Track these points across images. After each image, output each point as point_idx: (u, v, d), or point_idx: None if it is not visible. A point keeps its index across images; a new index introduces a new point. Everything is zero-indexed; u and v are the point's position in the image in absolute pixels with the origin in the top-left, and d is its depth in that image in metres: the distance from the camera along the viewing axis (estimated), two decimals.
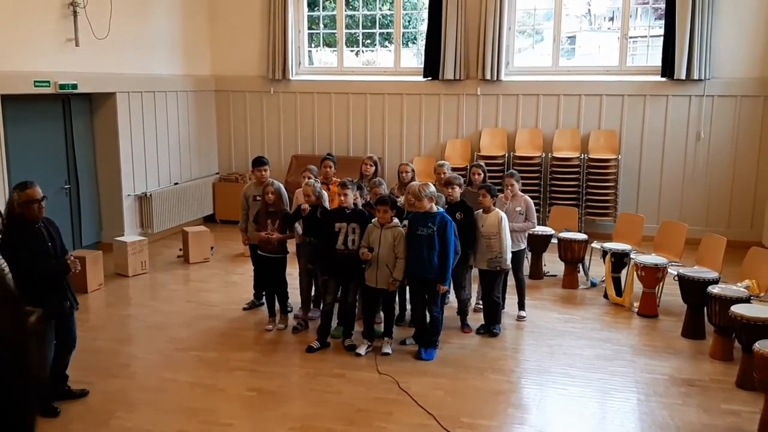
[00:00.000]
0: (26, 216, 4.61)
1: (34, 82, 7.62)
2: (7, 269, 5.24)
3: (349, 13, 11.05)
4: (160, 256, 9.12)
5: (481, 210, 6.33)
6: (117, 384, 5.27)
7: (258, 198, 6.76)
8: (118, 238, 8.41)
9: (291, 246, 6.65)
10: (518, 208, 6.68)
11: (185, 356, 5.91)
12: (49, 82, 7.80)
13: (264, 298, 6.79)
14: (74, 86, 8.14)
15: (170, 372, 5.59)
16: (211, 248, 9.15)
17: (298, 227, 6.46)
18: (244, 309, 7.06)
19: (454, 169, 7.72)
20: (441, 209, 5.85)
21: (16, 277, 4.65)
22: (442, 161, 7.83)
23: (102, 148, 9.19)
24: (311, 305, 6.73)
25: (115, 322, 6.79)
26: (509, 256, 6.28)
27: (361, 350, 5.89)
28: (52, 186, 8.32)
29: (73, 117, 8.75)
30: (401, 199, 6.44)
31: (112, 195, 9.26)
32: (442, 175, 6.93)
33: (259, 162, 6.94)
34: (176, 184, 10.32)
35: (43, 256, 4.67)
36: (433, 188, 5.81)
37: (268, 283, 6.59)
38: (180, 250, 9.14)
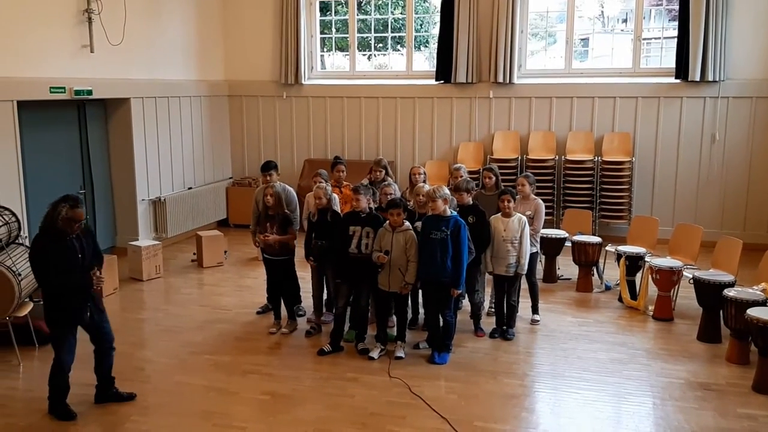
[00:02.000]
0: (63, 230, 4.66)
1: (50, 88, 7.70)
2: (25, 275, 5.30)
3: (361, 17, 11.08)
4: (174, 260, 9.18)
5: (500, 214, 6.31)
6: (131, 388, 5.29)
7: None
8: (133, 243, 8.47)
9: (299, 250, 6.65)
10: (528, 212, 6.63)
11: (199, 360, 5.94)
12: (64, 88, 7.87)
13: (272, 301, 6.81)
14: (89, 92, 8.21)
15: (184, 375, 5.62)
16: (225, 252, 9.19)
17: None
18: (258, 313, 7.08)
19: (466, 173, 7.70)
20: (454, 212, 5.84)
21: (41, 286, 4.73)
22: (458, 164, 7.82)
23: (116, 153, 9.26)
24: (324, 309, 6.74)
25: (129, 326, 6.82)
26: (526, 261, 6.26)
27: (374, 354, 5.88)
28: (67, 191, 8.31)
29: (88, 122, 8.82)
30: (412, 202, 6.44)
31: (127, 199, 9.33)
32: (458, 178, 6.91)
33: (264, 167, 7.06)
34: (190, 188, 10.39)
35: (70, 270, 4.69)
36: (446, 190, 5.80)
37: (276, 285, 6.60)
38: (194, 254, 9.18)
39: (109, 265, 7.71)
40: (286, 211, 6.54)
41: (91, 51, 8.26)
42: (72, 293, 4.74)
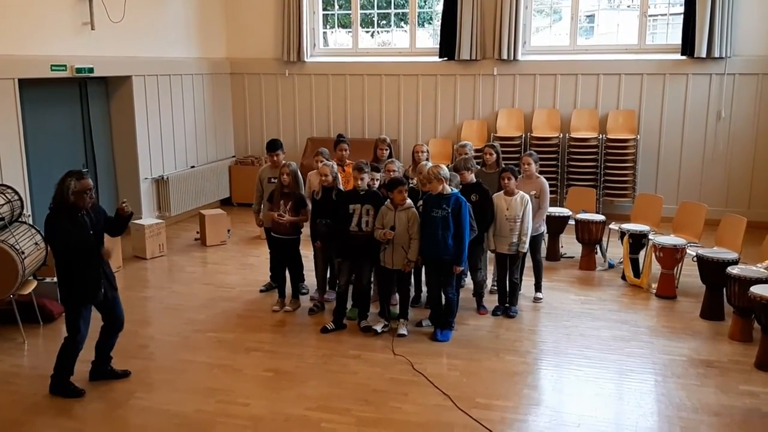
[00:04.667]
0: (76, 205, 4.67)
1: (51, 66, 7.66)
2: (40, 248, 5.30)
3: None
4: (178, 239, 9.19)
5: (502, 192, 6.28)
6: (136, 365, 5.33)
7: (273, 180, 6.77)
8: (136, 221, 8.46)
9: (305, 228, 6.64)
10: (532, 192, 6.58)
11: (203, 337, 5.97)
12: (65, 66, 7.83)
13: (276, 279, 6.81)
14: (90, 70, 8.17)
15: (188, 353, 5.65)
16: (228, 231, 9.20)
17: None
18: (261, 291, 7.10)
19: None
20: (455, 190, 5.82)
21: (59, 262, 4.75)
22: (464, 141, 7.77)
23: (119, 131, 9.24)
24: (327, 287, 6.75)
25: (133, 304, 6.84)
26: (527, 239, 6.24)
27: (377, 327, 5.91)
28: (69, 168, 8.35)
29: (89, 100, 8.79)
30: (415, 180, 6.41)
31: (130, 178, 9.32)
32: (465, 155, 6.87)
33: (271, 147, 6.94)
34: (193, 167, 10.37)
35: (80, 246, 4.70)
36: (445, 170, 5.76)
37: (282, 264, 6.61)
38: (197, 232, 9.20)
39: (113, 243, 7.69)
40: (302, 191, 6.53)
41: (92, 28, 8.20)
42: (85, 269, 4.76)
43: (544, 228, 6.88)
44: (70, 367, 4.92)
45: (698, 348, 5.66)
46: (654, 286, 6.97)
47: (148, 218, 8.95)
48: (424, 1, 11.09)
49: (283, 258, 6.57)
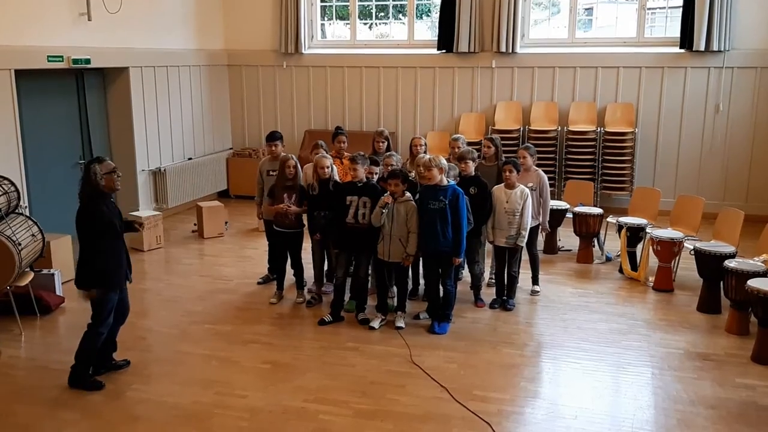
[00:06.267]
0: (109, 187, 4.73)
1: (48, 57, 7.62)
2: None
3: None
4: (175, 231, 9.18)
5: (502, 185, 6.28)
6: (133, 356, 5.33)
7: (272, 173, 6.75)
8: (133, 213, 8.46)
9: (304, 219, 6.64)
10: (530, 184, 6.56)
11: (200, 329, 5.97)
12: (62, 57, 7.80)
13: (276, 271, 6.80)
14: (87, 61, 8.13)
15: (186, 345, 5.65)
16: (226, 223, 9.19)
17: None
18: (258, 283, 7.10)
19: (468, 144, 7.64)
20: (452, 182, 5.81)
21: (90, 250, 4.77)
22: (457, 135, 7.76)
23: (116, 123, 9.20)
24: (324, 279, 6.75)
25: (131, 296, 6.73)
26: (526, 233, 6.23)
27: (375, 324, 5.91)
28: (66, 161, 8.36)
29: (86, 92, 8.75)
30: (413, 173, 6.40)
31: (127, 170, 9.26)
32: (456, 149, 6.87)
33: (270, 137, 6.98)
34: (190, 159, 10.35)
35: (117, 229, 4.81)
36: (443, 160, 5.76)
37: (284, 258, 6.59)
38: (194, 224, 9.19)
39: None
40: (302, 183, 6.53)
41: (89, 19, 8.16)
42: (120, 251, 4.87)
43: (545, 222, 6.82)
44: (93, 357, 4.88)
45: (695, 341, 5.68)
46: (651, 279, 6.98)
47: (145, 210, 8.94)
48: None
49: (288, 252, 6.54)
